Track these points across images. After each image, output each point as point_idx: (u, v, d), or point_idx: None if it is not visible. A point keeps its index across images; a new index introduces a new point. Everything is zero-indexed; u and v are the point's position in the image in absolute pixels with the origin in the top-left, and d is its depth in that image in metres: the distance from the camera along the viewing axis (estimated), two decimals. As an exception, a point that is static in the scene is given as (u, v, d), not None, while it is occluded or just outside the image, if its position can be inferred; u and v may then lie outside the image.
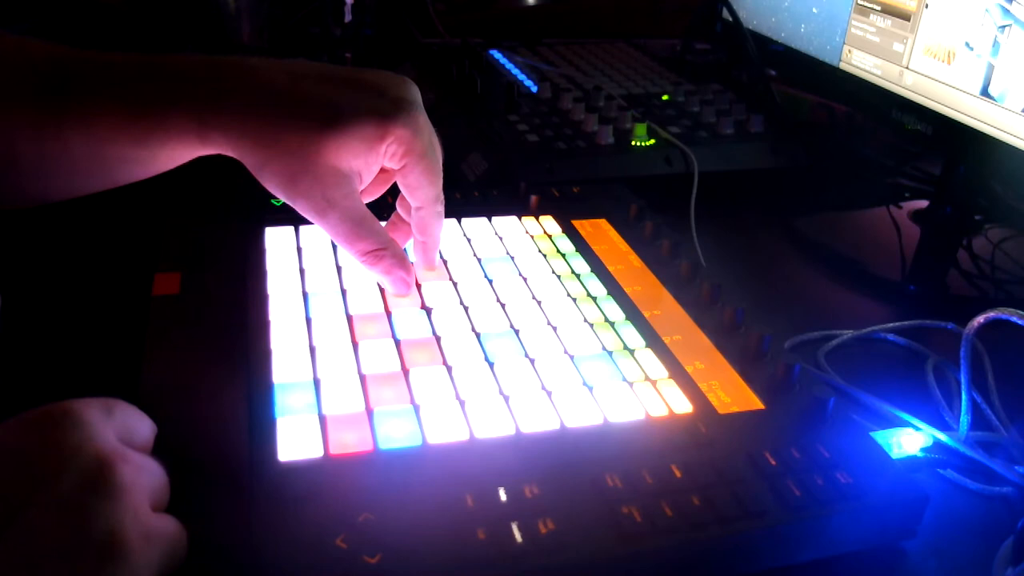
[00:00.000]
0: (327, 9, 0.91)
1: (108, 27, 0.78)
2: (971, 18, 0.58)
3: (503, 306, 0.48)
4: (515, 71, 0.89)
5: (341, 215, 0.42)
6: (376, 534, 0.32)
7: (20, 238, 0.59)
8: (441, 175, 0.46)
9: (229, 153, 0.41)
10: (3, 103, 0.39)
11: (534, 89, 0.83)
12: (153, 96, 0.40)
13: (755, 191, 0.74)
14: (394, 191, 0.49)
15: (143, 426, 0.33)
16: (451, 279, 0.50)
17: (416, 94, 0.44)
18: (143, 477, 0.30)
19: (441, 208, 0.47)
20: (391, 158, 0.43)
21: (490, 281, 0.50)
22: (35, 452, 0.28)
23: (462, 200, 0.59)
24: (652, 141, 0.74)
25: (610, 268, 0.53)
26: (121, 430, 0.31)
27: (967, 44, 0.59)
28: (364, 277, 0.49)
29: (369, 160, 0.43)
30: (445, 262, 0.52)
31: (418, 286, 0.48)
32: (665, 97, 0.81)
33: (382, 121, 0.42)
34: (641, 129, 0.74)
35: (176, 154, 0.42)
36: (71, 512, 0.27)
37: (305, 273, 0.49)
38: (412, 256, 0.50)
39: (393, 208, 0.50)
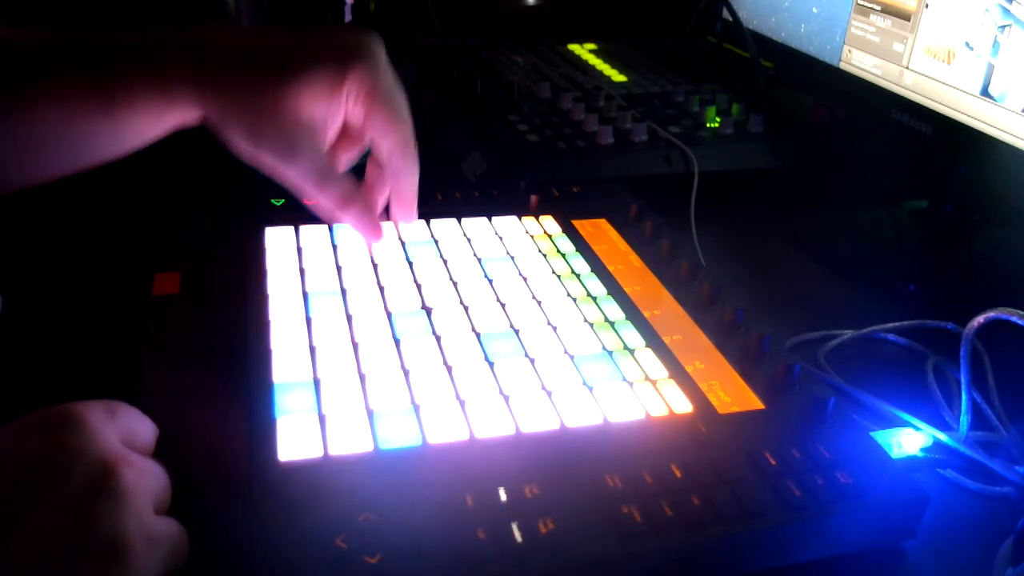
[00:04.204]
0: (327, 9, 0.91)
1: (108, 27, 0.78)
2: (971, 18, 0.58)
3: (503, 306, 0.48)
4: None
5: (308, 162, 0.42)
6: (376, 534, 0.32)
7: (20, 238, 0.59)
8: (409, 120, 0.45)
9: (193, 111, 0.40)
10: None
11: None
12: (117, 60, 0.40)
13: (755, 191, 0.74)
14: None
15: (145, 429, 0.34)
16: (451, 279, 0.50)
17: (376, 42, 0.44)
18: (145, 480, 0.30)
19: (413, 153, 0.46)
20: (354, 103, 0.43)
21: (490, 281, 0.50)
22: (39, 455, 0.28)
23: (462, 200, 0.59)
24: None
25: (610, 268, 0.53)
26: (123, 433, 0.31)
27: (967, 44, 0.59)
28: (364, 277, 0.49)
29: (332, 106, 0.42)
30: (445, 262, 0.52)
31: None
32: (715, 123, 0.79)
33: (340, 64, 0.42)
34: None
35: (143, 124, 0.41)
36: (75, 515, 0.27)
37: (305, 273, 0.49)
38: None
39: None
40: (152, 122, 0.41)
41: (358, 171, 0.48)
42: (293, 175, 0.42)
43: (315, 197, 0.44)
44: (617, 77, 0.89)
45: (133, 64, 0.40)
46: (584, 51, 0.99)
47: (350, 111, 0.44)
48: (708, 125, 0.78)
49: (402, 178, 0.47)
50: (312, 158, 0.42)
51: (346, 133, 0.46)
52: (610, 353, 0.45)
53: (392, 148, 0.45)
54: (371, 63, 0.43)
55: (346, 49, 0.42)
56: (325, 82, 0.41)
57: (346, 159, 0.48)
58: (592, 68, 0.93)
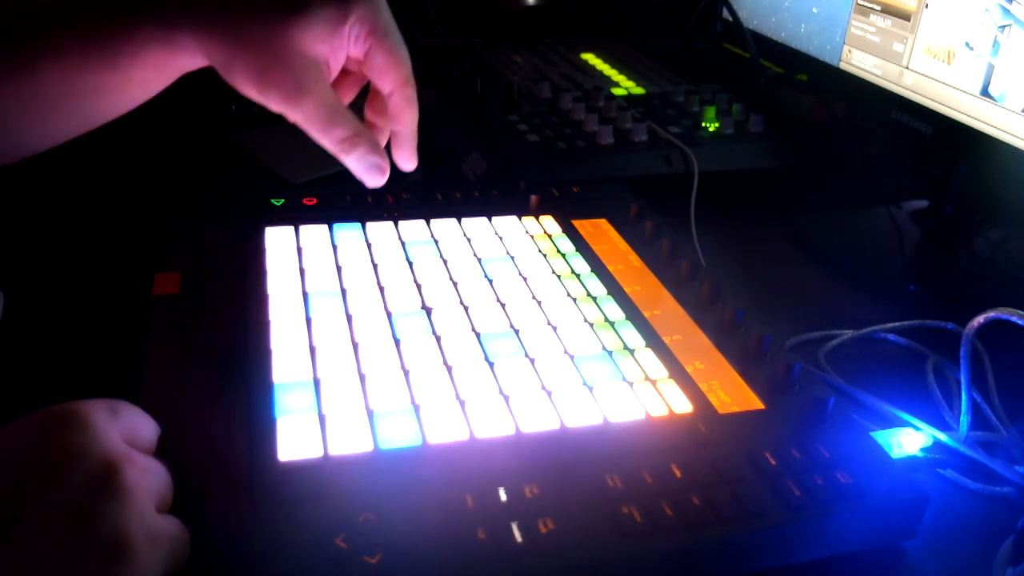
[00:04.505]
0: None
1: None
2: (971, 18, 0.58)
3: (503, 306, 0.48)
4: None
5: (315, 102, 0.42)
6: (376, 534, 0.32)
7: (20, 238, 0.59)
8: (408, 58, 0.46)
9: (197, 57, 0.41)
10: None
11: None
12: (117, 12, 0.40)
13: (755, 191, 0.74)
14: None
15: (147, 427, 0.34)
16: (451, 279, 0.50)
17: None
18: (148, 479, 0.30)
19: (412, 92, 0.47)
20: (355, 41, 0.44)
21: (490, 281, 0.50)
22: (40, 455, 0.28)
23: (462, 200, 0.59)
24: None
25: (610, 268, 0.53)
26: (126, 432, 0.31)
27: (967, 44, 0.59)
28: (364, 277, 0.49)
29: (335, 45, 0.43)
30: (445, 262, 0.52)
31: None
32: (715, 123, 0.78)
33: (342, 2, 0.42)
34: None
35: (149, 75, 0.41)
36: (77, 514, 0.27)
37: (305, 273, 0.49)
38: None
39: None
40: (157, 72, 0.41)
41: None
42: (300, 116, 0.42)
43: (320, 138, 0.44)
44: (636, 89, 0.89)
45: (134, 14, 0.40)
46: (585, 53, 0.98)
47: (351, 51, 0.44)
48: (708, 125, 0.78)
49: (402, 118, 0.47)
50: (320, 95, 0.42)
51: (344, 73, 0.47)
52: (610, 353, 0.45)
53: (393, 87, 0.46)
54: (372, 2, 0.43)
55: None
56: (328, 21, 0.42)
57: (345, 102, 0.48)
58: (593, 69, 0.93)
